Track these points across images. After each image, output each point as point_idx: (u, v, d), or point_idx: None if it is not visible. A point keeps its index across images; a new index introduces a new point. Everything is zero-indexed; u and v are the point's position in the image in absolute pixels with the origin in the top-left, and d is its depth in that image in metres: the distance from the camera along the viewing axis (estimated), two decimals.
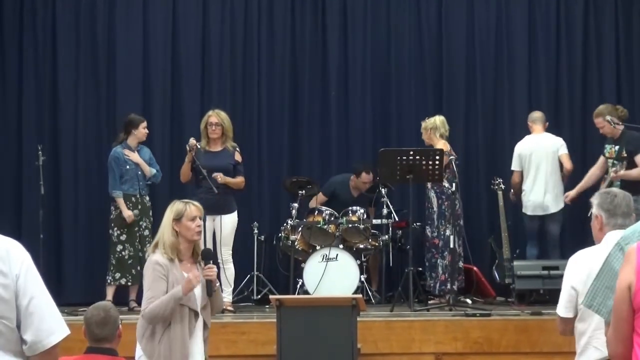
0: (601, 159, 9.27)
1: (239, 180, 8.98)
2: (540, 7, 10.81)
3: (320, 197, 10.06)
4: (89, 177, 10.33)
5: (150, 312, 5.50)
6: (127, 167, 9.22)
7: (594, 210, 4.52)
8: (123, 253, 9.17)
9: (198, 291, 5.66)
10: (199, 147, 8.79)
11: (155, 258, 5.66)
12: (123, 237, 9.18)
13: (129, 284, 9.21)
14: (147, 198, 9.35)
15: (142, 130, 9.32)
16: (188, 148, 8.77)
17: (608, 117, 9.10)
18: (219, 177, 8.69)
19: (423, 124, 9.48)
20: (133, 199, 9.23)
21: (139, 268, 9.09)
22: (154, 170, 9.37)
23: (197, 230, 5.72)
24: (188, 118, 10.39)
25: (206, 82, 10.69)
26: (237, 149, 9.06)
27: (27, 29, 10.54)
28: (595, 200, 4.55)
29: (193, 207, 5.75)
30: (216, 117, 8.94)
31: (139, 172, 9.25)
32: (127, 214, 9.12)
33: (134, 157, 9.27)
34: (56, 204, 10.27)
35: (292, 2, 10.83)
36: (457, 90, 10.76)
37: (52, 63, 10.51)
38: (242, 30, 10.76)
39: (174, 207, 5.77)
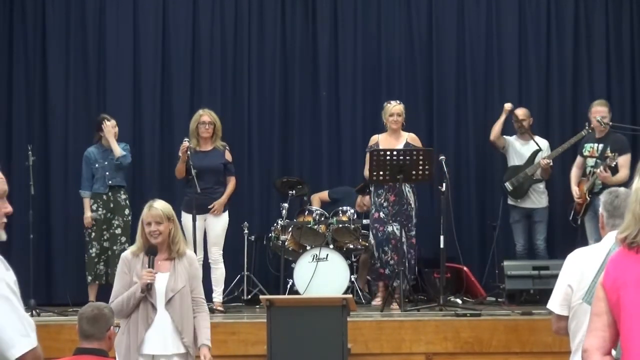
0: (579, 159, 9.29)
1: (231, 186, 9.07)
2: (531, 7, 10.82)
3: (324, 195, 10.08)
4: (79, 178, 10.26)
5: (114, 307, 5.63)
6: (97, 165, 9.24)
7: (600, 208, 4.55)
8: (91, 251, 9.19)
9: (161, 286, 5.75)
10: (190, 151, 8.76)
11: (124, 254, 6.01)
12: (93, 236, 9.20)
13: (103, 282, 9.17)
14: (124, 196, 9.28)
15: (106, 129, 9.21)
16: (181, 152, 8.78)
17: (598, 117, 9.13)
18: (215, 210, 8.86)
19: (402, 110, 9.28)
20: (104, 197, 9.23)
21: (101, 266, 9.18)
22: (124, 152, 9.24)
23: (151, 234, 5.81)
24: (178, 118, 10.37)
25: (196, 82, 10.67)
26: (227, 147, 9.09)
27: (16, 29, 10.51)
28: (602, 197, 4.57)
29: (148, 213, 5.85)
30: (208, 116, 8.99)
31: (107, 173, 9.22)
32: (86, 215, 9.19)
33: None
34: (46, 204, 10.24)
35: (282, 2, 10.83)
36: (447, 90, 10.77)
37: (42, 63, 10.48)
38: (232, 30, 10.75)
39: (143, 209, 5.95)
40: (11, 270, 3.29)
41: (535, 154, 9.75)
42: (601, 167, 8.79)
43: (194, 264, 5.99)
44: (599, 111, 9.17)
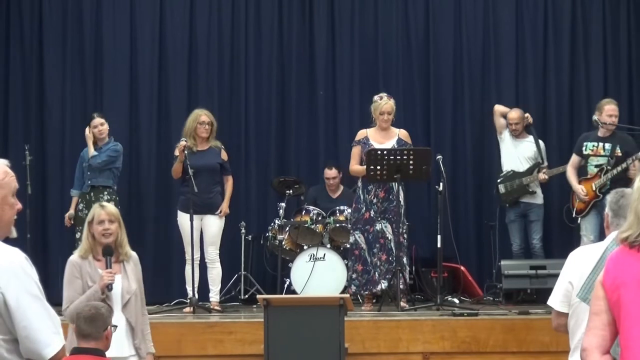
0: (575, 157, 9.22)
1: (230, 186, 9.12)
2: (528, 5, 10.82)
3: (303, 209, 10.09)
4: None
5: (71, 312, 5.50)
6: (84, 165, 9.28)
7: (606, 208, 4.56)
8: None
9: (117, 287, 5.70)
10: (187, 151, 8.77)
11: (70, 258, 5.84)
12: (77, 235, 9.22)
13: None
14: (107, 197, 9.20)
15: (86, 134, 9.28)
16: (178, 151, 8.79)
17: (595, 117, 9.13)
18: (223, 212, 8.95)
19: (393, 107, 8.97)
20: (87, 196, 9.25)
21: None
22: (95, 153, 9.22)
23: (103, 233, 5.74)
24: (175, 118, 10.36)
25: (193, 82, 10.66)
26: (223, 147, 9.11)
27: (13, 28, 10.50)
28: (608, 197, 4.58)
29: (102, 212, 5.79)
30: (207, 116, 9.03)
31: (88, 173, 9.23)
32: (67, 213, 9.34)
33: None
34: (43, 203, 10.24)
35: (279, 1, 10.82)
36: (444, 90, 10.76)
37: (38, 62, 10.47)
38: (230, 29, 10.74)
39: (91, 210, 5.91)
40: (34, 268, 3.33)
41: (536, 165, 9.74)
42: (637, 161, 8.73)
43: (139, 265, 5.96)
44: (612, 109, 9.08)
